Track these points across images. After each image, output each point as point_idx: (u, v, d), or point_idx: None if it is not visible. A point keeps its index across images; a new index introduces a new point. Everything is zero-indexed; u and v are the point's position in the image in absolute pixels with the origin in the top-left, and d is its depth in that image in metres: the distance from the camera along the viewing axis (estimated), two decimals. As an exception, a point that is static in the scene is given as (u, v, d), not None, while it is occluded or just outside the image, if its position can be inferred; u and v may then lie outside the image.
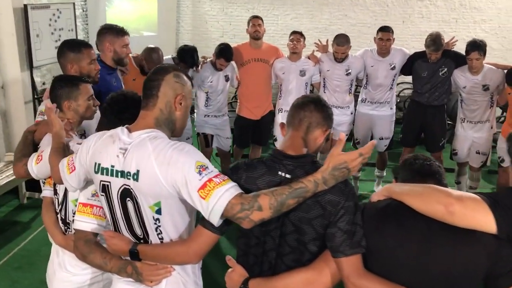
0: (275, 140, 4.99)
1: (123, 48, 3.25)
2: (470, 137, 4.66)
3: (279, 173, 1.66)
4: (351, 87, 4.86)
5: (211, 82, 4.65)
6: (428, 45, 4.46)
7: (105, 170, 1.70)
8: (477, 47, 4.29)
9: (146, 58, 4.09)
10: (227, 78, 4.74)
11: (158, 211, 1.65)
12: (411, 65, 4.73)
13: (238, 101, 5.02)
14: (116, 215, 1.75)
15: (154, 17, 7.41)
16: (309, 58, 4.81)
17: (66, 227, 2.12)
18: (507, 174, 4.32)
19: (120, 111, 2.02)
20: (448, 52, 4.55)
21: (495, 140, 4.81)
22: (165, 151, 1.61)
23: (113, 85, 3.17)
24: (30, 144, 2.34)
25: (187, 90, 1.78)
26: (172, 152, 1.60)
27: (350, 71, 4.74)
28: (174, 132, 1.78)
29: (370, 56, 4.80)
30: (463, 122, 4.68)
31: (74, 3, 5.84)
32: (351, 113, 4.94)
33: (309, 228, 1.63)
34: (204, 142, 4.81)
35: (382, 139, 4.97)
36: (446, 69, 4.56)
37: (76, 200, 1.95)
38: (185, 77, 1.79)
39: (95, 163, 1.73)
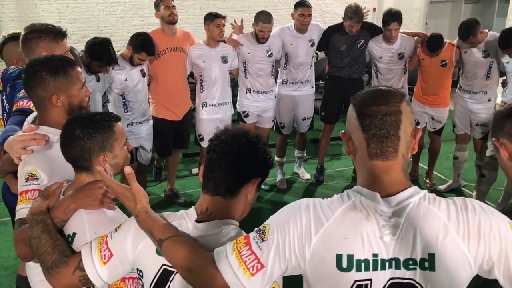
0: (201, 139, 4.31)
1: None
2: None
3: None
4: (273, 68, 4.47)
5: (125, 80, 3.71)
6: (351, 17, 4.31)
7: (363, 264, 1.10)
8: (396, 17, 4.32)
9: None
10: (143, 73, 3.82)
11: None
12: (327, 39, 4.55)
13: (151, 101, 4.11)
14: None
15: (-31, 3, 5.64)
16: (225, 42, 4.22)
17: None
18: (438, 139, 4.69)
19: (247, 161, 1.33)
20: (364, 23, 4.49)
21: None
22: (463, 217, 1.12)
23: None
24: (57, 233, 1.42)
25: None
26: (476, 216, 1.12)
27: (271, 51, 4.33)
28: None
29: (288, 33, 4.46)
30: (379, 91, 4.72)
31: None
32: (275, 97, 4.56)
33: None
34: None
35: (305, 119, 4.76)
36: (363, 41, 4.50)
37: None
38: None
39: (339, 256, 1.10)
